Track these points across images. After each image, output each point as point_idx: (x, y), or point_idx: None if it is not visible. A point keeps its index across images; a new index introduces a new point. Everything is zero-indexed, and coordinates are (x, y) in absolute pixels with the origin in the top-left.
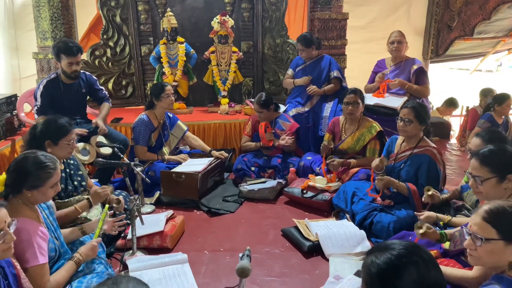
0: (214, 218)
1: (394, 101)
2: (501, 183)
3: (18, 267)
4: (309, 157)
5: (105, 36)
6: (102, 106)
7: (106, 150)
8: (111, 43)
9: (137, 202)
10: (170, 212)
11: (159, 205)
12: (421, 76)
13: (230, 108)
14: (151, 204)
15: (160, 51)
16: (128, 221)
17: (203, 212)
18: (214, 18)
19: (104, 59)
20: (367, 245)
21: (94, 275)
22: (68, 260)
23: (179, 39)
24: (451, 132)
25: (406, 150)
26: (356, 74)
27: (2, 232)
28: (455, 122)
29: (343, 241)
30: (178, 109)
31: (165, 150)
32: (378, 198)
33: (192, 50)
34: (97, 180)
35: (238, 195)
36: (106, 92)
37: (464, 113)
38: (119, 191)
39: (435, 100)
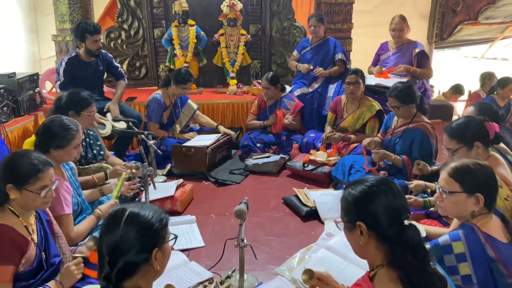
0: (220, 188)
1: (394, 82)
2: (470, 150)
3: (50, 214)
4: (312, 134)
5: (119, 19)
6: (118, 84)
7: (121, 125)
8: (125, 26)
9: (150, 168)
10: (180, 180)
11: (170, 176)
12: (423, 58)
13: (238, 89)
14: (163, 175)
15: (172, 34)
16: (142, 187)
17: (211, 183)
18: (224, 2)
19: (119, 41)
20: None
21: None
22: (90, 214)
23: (190, 22)
24: (454, 117)
25: (402, 125)
26: (361, 58)
27: (47, 188)
28: (461, 108)
29: (338, 206)
30: (189, 89)
31: (177, 127)
32: (374, 171)
33: (202, 32)
34: (113, 152)
35: (244, 169)
36: (122, 70)
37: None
38: (134, 161)
39: (446, 86)
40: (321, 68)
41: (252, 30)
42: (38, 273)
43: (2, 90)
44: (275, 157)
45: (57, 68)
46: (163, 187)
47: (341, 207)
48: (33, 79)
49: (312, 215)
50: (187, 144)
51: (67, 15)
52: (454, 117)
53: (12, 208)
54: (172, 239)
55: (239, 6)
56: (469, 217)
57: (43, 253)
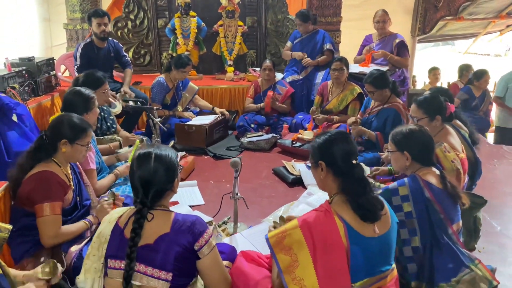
0: (218, 161)
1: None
2: (431, 122)
3: (81, 168)
4: (301, 116)
5: (126, 10)
6: (125, 72)
7: (131, 104)
8: (131, 16)
9: (158, 140)
10: (183, 152)
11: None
12: (402, 49)
13: (235, 76)
14: None
15: (175, 24)
16: None
17: (210, 157)
18: None
19: (126, 30)
20: None
21: (127, 185)
22: (109, 174)
23: (192, 13)
24: None
25: (378, 105)
26: (349, 49)
27: (88, 145)
28: None
29: None
30: (190, 76)
31: (179, 108)
32: None
33: (202, 23)
34: (123, 129)
35: (240, 146)
36: (129, 59)
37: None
38: (142, 136)
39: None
40: (308, 58)
41: (248, 22)
42: (73, 212)
43: (24, 72)
44: (267, 136)
45: (74, 53)
46: None
47: (310, 154)
48: (49, 63)
49: (297, 182)
50: (189, 123)
51: (77, 5)
52: None
53: (56, 160)
54: None
55: None
56: (411, 170)
57: (78, 196)
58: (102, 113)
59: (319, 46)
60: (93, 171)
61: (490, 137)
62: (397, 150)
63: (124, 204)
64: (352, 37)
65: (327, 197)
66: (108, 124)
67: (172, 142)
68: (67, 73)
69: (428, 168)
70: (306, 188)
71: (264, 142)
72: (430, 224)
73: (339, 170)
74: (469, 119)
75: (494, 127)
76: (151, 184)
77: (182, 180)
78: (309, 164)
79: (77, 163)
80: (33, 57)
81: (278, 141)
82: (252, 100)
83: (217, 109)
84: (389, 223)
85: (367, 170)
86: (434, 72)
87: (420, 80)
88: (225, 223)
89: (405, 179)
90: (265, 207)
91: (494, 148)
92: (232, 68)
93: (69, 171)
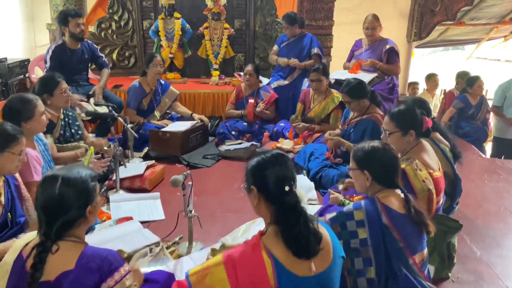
0: (192, 170)
1: (363, 77)
2: (404, 136)
3: (20, 180)
4: (282, 124)
5: (110, 11)
6: (102, 72)
7: (103, 109)
8: (116, 17)
9: (120, 148)
10: (152, 161)
11: (147, 159)
12: (392, 55)
13: (220, 80)
14: (139, 157)
15: (159, 26)
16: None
17: (184, 166)
18: None
19: (110, 31)
20: (313, 194)
21: None
22: None
23: (176, 15)
24: (434, 113)
25: (357, 116)
26: (342, 54)
27: (23, 152)
28: None
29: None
30: (174, 79)
31: (156, 113)
32: (331, 157)
33: (187, 25)
34: (95, 134)
35: (217, 155)
36: (106, 60)
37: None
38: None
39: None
40: (295, 60)
41: (237, 25)
42: (2, 230)
43: None
44: (246, 144)
45: (45, 56)
46: (133, 167)
47: (245, 175)
48: (24, 65)
49: None
50: (164, 129)
51: (61, 5)
52: (434, 114)
53: None
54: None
55: (223, 1)
56: (371, 191)
57: (9, 213)
58: (66, 119)
59: (306, 50)
60: (35, 184)
61: (489, 147)
62: (357, 168)
63: None
64: (344, 41)
65: None
66: (73, 130)
67: (146, 149)
68: None
69: (391, 190)
70: None
71: (242, 150)
72: (387, 253)
73: (271, 196)
74: (466, 129)
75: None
76: (56, 213)
77: (147, 191)
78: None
79: (17, 174)
80: (5, 58)
81: (257, 149)
82: (234, 106)
83: (196, 116)
84: (330, 258)
85: (303, 196)
86: (433, 79)
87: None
88: (176, 243)
89: (362, 202)
90: (229, 223)
91: (486, 162)
92: (218, 72)
93: (1, 184)
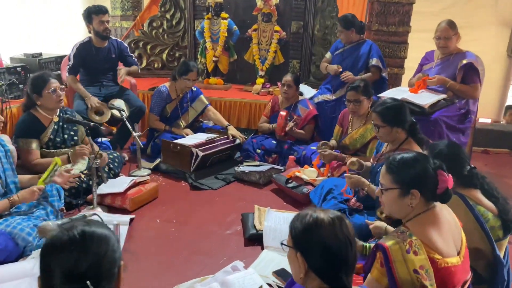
0: (193, 191)
1: (424, 98)
2: (403, 197)
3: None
4: (314, 147)
5: (162, 9)
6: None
7: (117, 113)
8: (168, 16)
9: (97, 161)
10: (146, 177)
11: (156, 171)
12: (469, 73)
13: (263, 89)
14: (148, 168)
15: (204, 26)
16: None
17: (188, 184)
18: None
19: (161, 30)
20: None
21: (24, 218)
22: (5, 198)
23: (223, 15)
24: None
25: (390, 150)
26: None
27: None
28: None
29: (286, 235)
30: (215, 85)
31: (181, 122)
32: (352, 200)
33: (234, 26)
34: (108, 139)
35: (233, 176)
36: (136, 59)
37: None
38: (112, 151)
39: None
40: (350, 73)
41: (293, 28)
42: None
43: (19, 69)
44: (264, 167)
45: (70, 53)
46: (117, 182)
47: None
48: (60, 61)
49: (257, 239)
50: (177, 141)
51: (118, 2)
52: None
53: None
54: None
55: (274, 0)
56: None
57: None
58: (61, 123)
59: (363, 61)
60: None
61: None
62: (293, 246)
63: None
64: (423, 51)
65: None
66: (66, 136)
67: (157, 161)
68: None
69: None
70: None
71: (258, 175)
72: None
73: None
74: None
75: None
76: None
77: (128, 212)
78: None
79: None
80: (40, 53)
81: (274, 175)
82: (267, 120)
83: (230, 131)
84: None
85: None
86: (510, 112)
87: None
88: None
89: None
90: (187, 270)
91: None
92: (262, 80)
93: None
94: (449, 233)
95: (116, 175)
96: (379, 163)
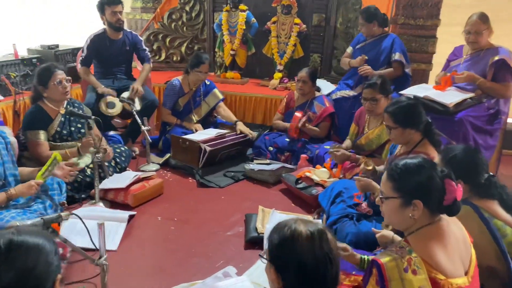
0: (199, 189)
1: (449, 96)
2: (405, 207)
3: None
4: (328, 146)
5: (182, 1)
6: (143, 67)
7: (127, 106)
8: (187, 8)
9: (99, 155)
10: (152, 173)
11: (166, 166)
12: (501, 70)
13: (280, 84)
14: (157, 164)
15: (222, 18)
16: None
17: (196, 181)
18: None
19: (180, 23)
20: None
21: (19, 212)
22: (2, 191)
23: (242, 7)
24: None
25: (401, 155)
26: None
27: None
28: None
29: None
30: (232, 79)
31: (193, 117)
32: (363, 204)
33: (253, 19)
34: (119, 133)
35: (242, 174)
36: (149, 54)
37: None
38: (120, 145)
39: None
40: (368, 67)
41: (315, 20)
42: None
43: (35, 60)
44: (274, 166)
45: (84, 44)
46: (121, 177)
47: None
48: (77, 52)
49: (258, 242)
50: (187, 136)
51: None
52: None
53: None
54: None
55: None
56: None
57: None
58: (67, 116)
59: (385, 55)
60: None
61: None
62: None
63: None
64: (453, 46)
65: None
66: (72, 128)
67: (167, 156)
68: None
69: None
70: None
71: (267, 173)
72: None
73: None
74: None
75: None
76: None
77: (131, 208)
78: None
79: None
80: (56, 45)
81: (283, 175)
82: (281, 116)
83: (239, 126)
84: None
85: None
86: None
87: None
88: None
89: None
90: (179, 274)
91: None
92: (280, 74)
93: None
94: (456, 250)
95: (122, 170)
96: None
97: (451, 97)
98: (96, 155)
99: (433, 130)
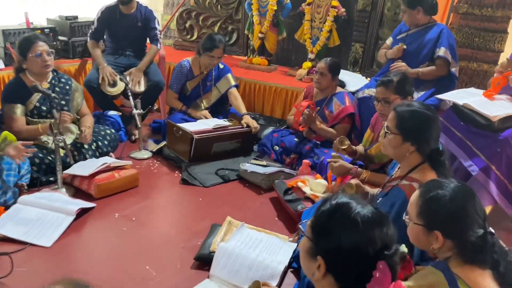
0: (182, 186)
1: (496, 107)
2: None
3: None
4: (334, 153)
5: None
6: (149, 48)
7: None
8: None
9: (61, 137)
10: (128, 162)
11: (158, 155)
12: None
13: (308, 75)
14: (150, 151)
15: None
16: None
17: (180, 176)
18: None
19: (214, 1)
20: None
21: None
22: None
23: None
24: None
25: (396, 179)
26: None
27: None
28: None
29: (243, 267)
30: (258, 65)
31: (201, 103)
32: None
33: None
34: (120, 114)
35: (236, 174)
36: (159, 33)
37: None
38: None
39: None
40: (402, 63)
41: (360, 4)
42: None
43: (47, 30)
44: (269, 169)
45: (95, 16)
46: (89, 164)
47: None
48: None
49: (208, 262)
50: (182, 124)
51: None
52: None
53: None
54: None
55: None
56: None
57: None
58: (51, 90)
59: (427, 49)
60: None
61: None
62: None
63: None
64: None
65: None
66: (54, 105)
67: (162, 143)
68: None
69: None
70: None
71: (260, 177)
72: None
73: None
74: None
75: None
76: None
77: (94, 199)
78: None
79: None
80: (75, 16)
81: (276, 181)
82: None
83: (246, 120)
84: None
85: None
86: None
87: None
88: None
89: None
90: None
91: None
92: (310, 64)
93: None
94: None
95: (103, 154)
96: (382, 191)
97: (497, 108)
98: (57, 137)
99: (442, 161)
